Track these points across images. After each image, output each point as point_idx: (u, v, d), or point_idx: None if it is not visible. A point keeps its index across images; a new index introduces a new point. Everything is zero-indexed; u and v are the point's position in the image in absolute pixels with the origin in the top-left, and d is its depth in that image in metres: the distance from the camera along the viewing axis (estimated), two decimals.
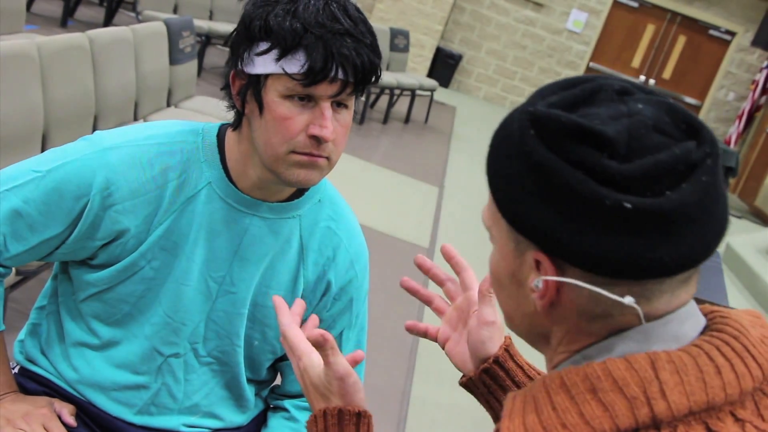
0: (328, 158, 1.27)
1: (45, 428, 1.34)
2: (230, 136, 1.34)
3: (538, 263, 0.76)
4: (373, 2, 11.97)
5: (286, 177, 1.27)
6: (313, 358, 1.05)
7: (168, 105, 4.86)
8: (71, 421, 1.37)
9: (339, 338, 1.50)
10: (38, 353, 1.44)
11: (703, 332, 0.78)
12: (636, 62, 12.82)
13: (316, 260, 1.43)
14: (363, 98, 8.67)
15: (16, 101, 3.13)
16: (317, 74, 1.19)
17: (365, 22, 1.25)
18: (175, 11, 7.58)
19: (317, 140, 1.24)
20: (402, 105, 9.43)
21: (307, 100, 1.23)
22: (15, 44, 3.23)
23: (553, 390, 0.75)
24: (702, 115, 12.42)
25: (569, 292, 0.76)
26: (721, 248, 0.73)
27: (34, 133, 3.24)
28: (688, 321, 0.78)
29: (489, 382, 1.12)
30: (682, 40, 12.68)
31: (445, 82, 12.60)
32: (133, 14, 7.44)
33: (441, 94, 11.33)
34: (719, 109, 12.60)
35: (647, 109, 0.75)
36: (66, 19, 7.47)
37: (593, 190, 0.70)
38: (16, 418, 1.33)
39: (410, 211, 6.15)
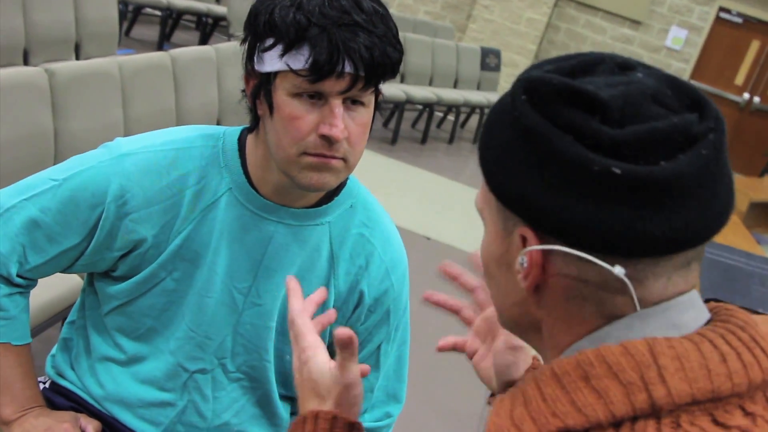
0: (344, 159, 1.19)
1: None
2: (250, 139, 1.28)
3: (524, 240, 0.71)
4: (466, 22, 11.91)
5: (299, 180, 1.19)
6: (318, 353, 0.97)
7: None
8: None
9: (377, 352, 1.41)
10: (68, 368, 1.40)
11: (706, 325, 0.72)
12: (739, 80, 12.33)
13: (348, 269, 1.35)
14: (453, 118, 8.59)
15: (96, 118, 3.18)
16: (322, 68, 1.11)
17: (381, 14, 1.15)
18: None
19: (328, 140, 1.15)
20: None
21: (318, 98, 1.15)
22: (94, 63, 3.29)
23: (543, 382, 0.69)
24: None
25: (554, 270, 0.70)
26: None
27: None
28: (690, 311, 0.71)
29: None
30: None
31: None
32: (226, 37, 7.57)
33: None
34: None
35: (648, 80, 0.70)
36: (162, 43, 7.66)
37: (581, 154, 0.66)
38: None
39: None
